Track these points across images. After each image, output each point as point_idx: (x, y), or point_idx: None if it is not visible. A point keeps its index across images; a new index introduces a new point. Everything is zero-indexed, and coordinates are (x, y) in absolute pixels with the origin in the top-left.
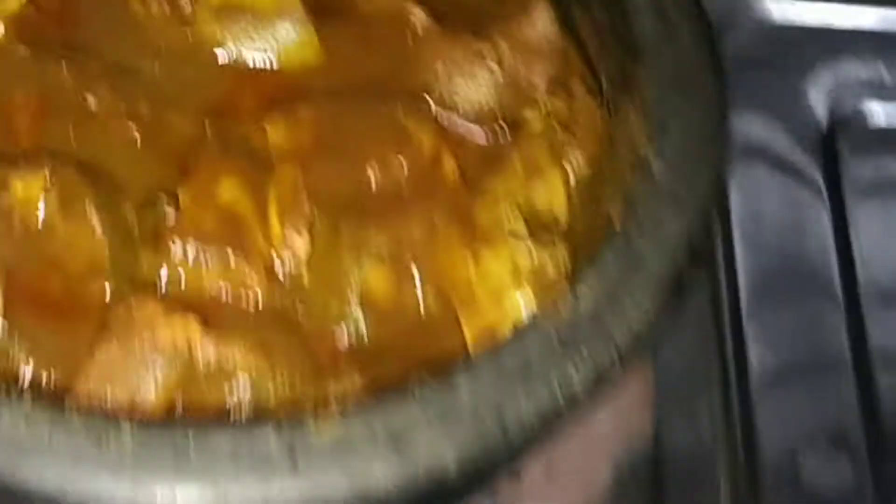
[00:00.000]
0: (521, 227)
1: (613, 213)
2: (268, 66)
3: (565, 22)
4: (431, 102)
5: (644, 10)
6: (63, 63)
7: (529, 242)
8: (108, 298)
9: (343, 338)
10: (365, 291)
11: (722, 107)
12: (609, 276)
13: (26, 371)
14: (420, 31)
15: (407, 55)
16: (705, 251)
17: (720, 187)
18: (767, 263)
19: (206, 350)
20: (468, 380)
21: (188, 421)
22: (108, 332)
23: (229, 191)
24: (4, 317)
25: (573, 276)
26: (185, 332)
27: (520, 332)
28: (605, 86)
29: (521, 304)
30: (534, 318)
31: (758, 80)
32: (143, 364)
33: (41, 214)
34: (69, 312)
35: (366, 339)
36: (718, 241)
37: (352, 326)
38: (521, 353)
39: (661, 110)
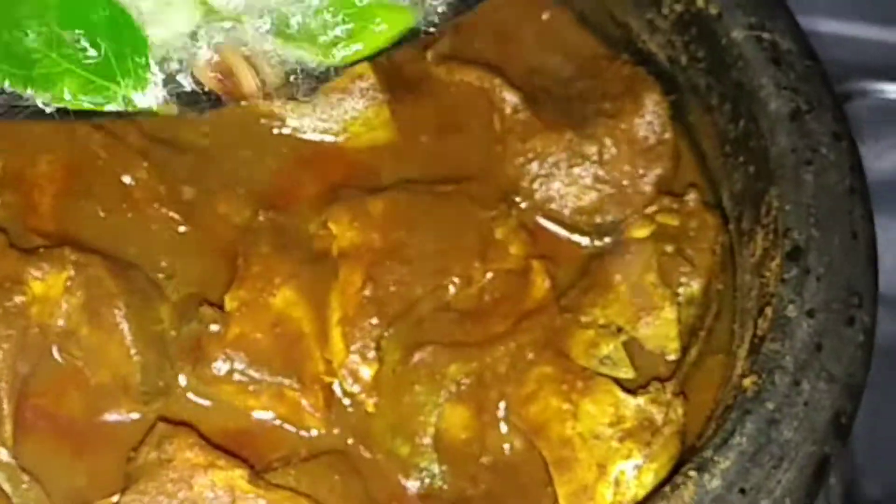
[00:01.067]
0: (625, 369)
1: (746, 380)
2: (333, 147)
3: (680, 119)
4: (521, 204)
5: (782, 121)
6: (96, 130)
7: (640, 396)
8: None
9: (412, 485)
10: (440, 432)
11: (871, 247)
12: (741, 457)
13: None
14: (509, 117)
15: (493, 144)
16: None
17: (870, 354)
18: None
19: (250, 501)
20: None
21: None
22: (137, 477)
23: (284, 298)
24: (13, 448)
25: (697, 452)
26: (227, 482)
27: None
28: (727, 201)
29: (628, 472)
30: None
31: None
32: None
33: (61, 319)
34: (89, 442)
35: (439, 487)
36: None
37: (423, 473)
38: None
39: (802, 246)
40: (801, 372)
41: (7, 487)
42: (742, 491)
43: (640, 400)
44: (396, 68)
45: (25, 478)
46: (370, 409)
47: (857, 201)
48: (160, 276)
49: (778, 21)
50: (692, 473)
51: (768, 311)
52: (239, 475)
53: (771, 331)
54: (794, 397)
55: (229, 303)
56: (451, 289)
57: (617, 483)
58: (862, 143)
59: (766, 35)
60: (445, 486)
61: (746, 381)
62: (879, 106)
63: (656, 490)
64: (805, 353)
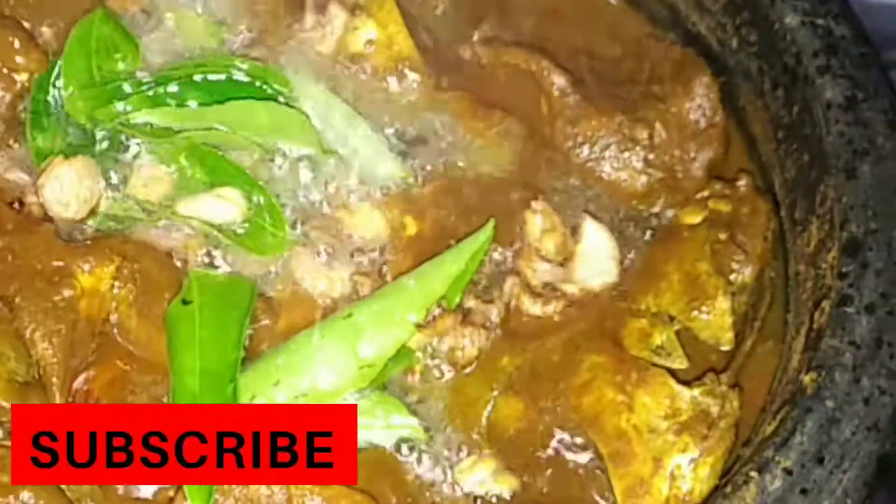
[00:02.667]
0: (679, 359)
1: (805, 377)
2: None
3: (730, 103)
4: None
5: (837, 109)
6: None
7: (694, 389)
8: None
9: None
10: (493, 424)
11: None
12: (802, 457)
13: None
14: (557, 100)
15: (541, 127)
16: None
17: None
18: None
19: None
20: None
21: None
22: None
23: None
24: None
25: (757, 451)
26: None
27: None
28: (778, 188)
29: (684, 465)
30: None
31: None
32: None
33: (111, 313)
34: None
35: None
36: None
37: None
38: None
39: (860, 239)
40: (862, 369)
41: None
42: (804, 491)
43: (696, 392)
44: (442, 49)
45: None
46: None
47: None
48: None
49: (832, 6)
50: (753, 474)
51: (826, 304)
52: None
53: (829, 326)
54: (854, 395)
55: (278, 294)
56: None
57: (673, 477)
58: None
59: (819, 21)
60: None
61: (806, 378)
62: None
63: (716, 488)
64: (865, 350)
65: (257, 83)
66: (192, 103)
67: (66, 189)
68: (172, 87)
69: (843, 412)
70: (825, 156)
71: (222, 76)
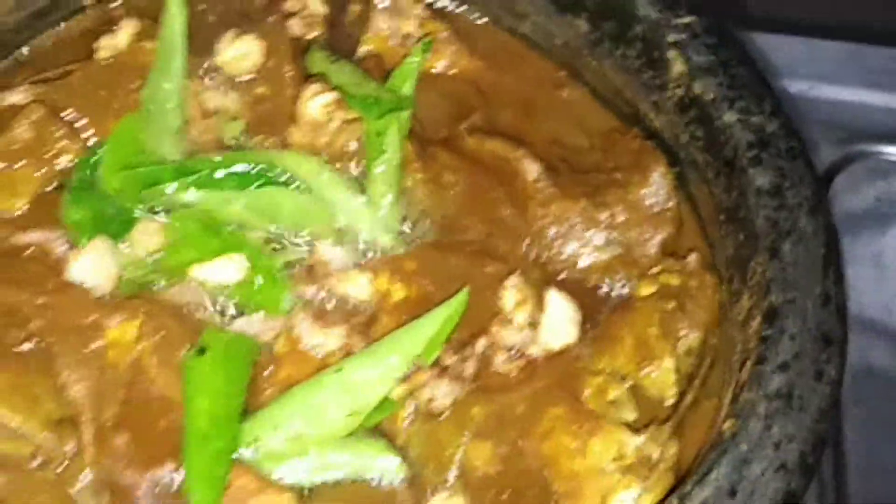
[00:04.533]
0: (629, 411)
1: (725, 424)
2: None
3: (684, 189)
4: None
5: (765, 196)
6: None
7: (640, 435)
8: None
9: None
10: (462, 462)
11: (842, 309)
12: (717, 491)
13: None
14: (531, 185)
15: (517, 209)
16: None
17: (834, 405)
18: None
19: None
20: None
21: None
22: None
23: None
24: (95, 469)
25: (678, 486)
26: None
27: None
28: (720, 265)
29: (627, 502)
30: None
31: None
32: None
33: (135, 361)
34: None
35: None
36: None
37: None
38: None
39: (778, 308)
40: (773, 418)
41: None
42: None
43: (641, 438)
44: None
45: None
46: (402, 442)
47: (832, 268)
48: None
49: (765, 105)
50: (674, 502)
51: (748, 363)
52: (287, 499)
53: (748, 382)
54: (765, 440)
55: (279, 347)
56: (478, 346)
57: None
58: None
59: (754, 118)
60: None
61: (725, 425)
62: (881, 167)
63: None
64: (777, 402)
65: (274, 171)
66: (226, 194)
67: (90, 270)
68: (205, 173)
69: (754, 454)
70: (755, 236)
71: (247, 167)
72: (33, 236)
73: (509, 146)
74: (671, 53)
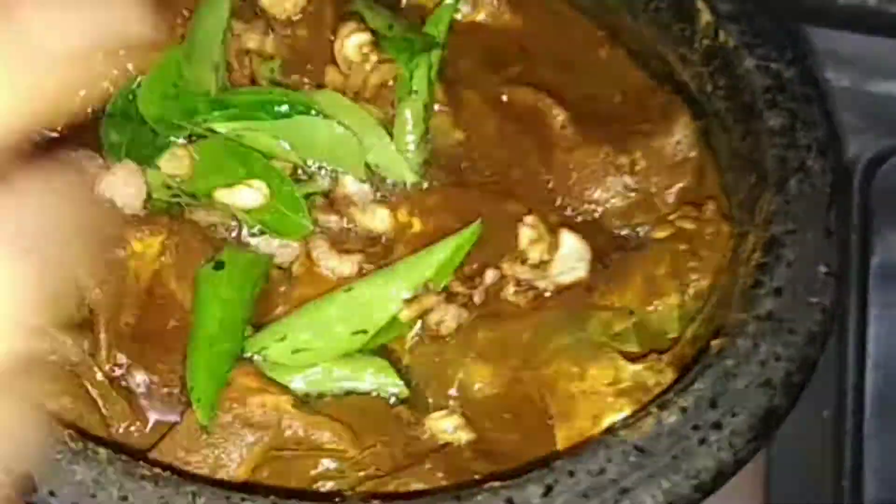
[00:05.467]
0: (631, 344)
1: (714, 342)
2: None
3: (707, 142)
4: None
5: (777, 136)
6: None
7: (637, 364)
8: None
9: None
10: (465, 384)
11: (843, 247)
12: (699, 400)
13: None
14: (557, 132)
15: (542, 154)
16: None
17: (828, 329)
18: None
19: (294, 426)
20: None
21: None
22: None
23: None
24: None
25: (660, 395)
26: (275, 405)
27: (599, 443)
28: (734, 210)
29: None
30: (615, 429)
31: None
32: (231, 433)
33: (155, 273)
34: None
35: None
36: (851, 359)
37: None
38: (598, 463)
39: (778, 238)
40: (761, 338)
41: (100, 402)
42: (695, 427)
43: (638, 367)
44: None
45: (115, 395)
46: (406, 361)
47: (835, 206)
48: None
49: (785, 53)
50: (654, 409)
51: (744, 289)
52: (285, 400)
53: (741, 303)
54: (751, 357)
55: (296, 268)
56: (489, 277)
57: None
58: None
59: (772, 65)
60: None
61: (714, 343)
62: None
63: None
64: (767, 324)
65: (308, 107)
66: (257, 123)
67: (120, 188)
68: (240, 107)
69: (739, 370)
70: (765, 175)
71: (282, 102)
72: (69, 155)
73: (540, 94)
74: (699, 4)
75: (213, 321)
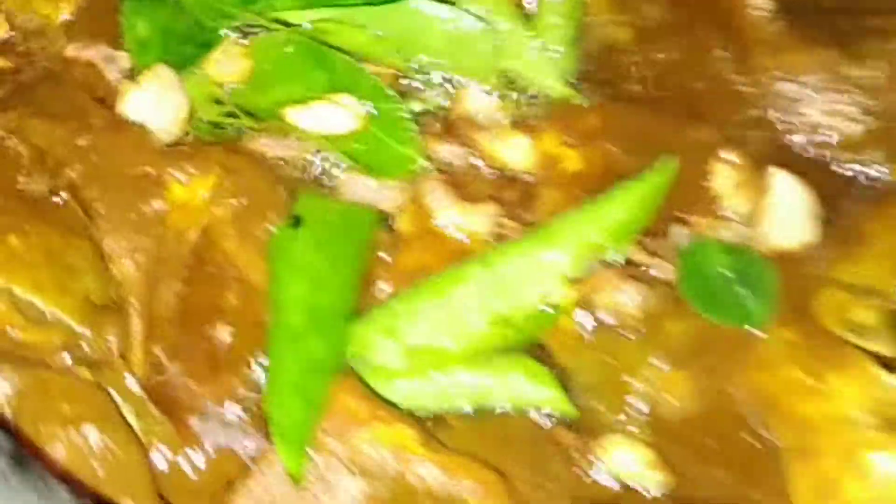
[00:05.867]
0: (884, 343)
1: None
2: None
3: None
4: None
5: None
6: None
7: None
8: None
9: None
10: (652, 397)
11: None
12: None
13: None
14: (758, 25)
15: (735, 53)
16: None
17: None
18: None
19: (420, 472)
20: None
21: None
22: None
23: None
24: (146, 378)
25: None
26: (394, 440)
27: None
28: None
29: (883, 465)
30: None
31: None
32: (330, 484)
33: (204, 231)
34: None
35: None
36: None
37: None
38: None
39: None
40: None
41: (135, 423)
42: None
43: None
44: None
45: (157, 412)
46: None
47: None
48: None
49: None
50: None
51: None
52: (408, 435)
53: None
54: None
55: (403, 223)
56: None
57: (867, 477)
58: None
59: None
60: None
61: None
62: None
63: None
64: None
65: None
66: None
67: (152, 105)
68: None
69: None
70: None
71: None
72: (81, 52)
73: None
74: None
75: (296, 310)
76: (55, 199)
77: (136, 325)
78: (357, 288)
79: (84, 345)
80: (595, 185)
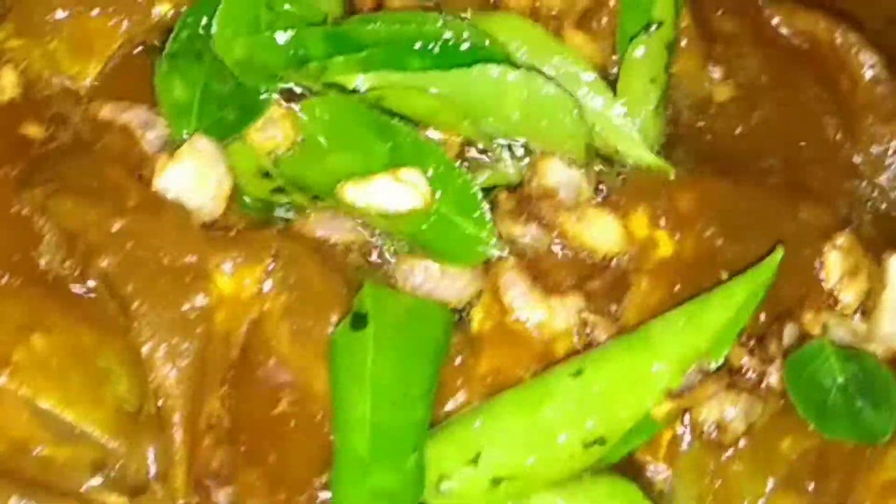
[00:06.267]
0: None
1: None
2: None
3: None
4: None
5: None
6: None
7: None
8: None
9: None
10: None
11: None
12: None
13: None
14: (867, 88)
15: (841, 119)
16: None
17: None
18: None
19: None
20: None
21: None
22: None
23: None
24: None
25: None
26: None
27: None
28: None
29: None
30: None
31: None
32: None
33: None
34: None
35: None
36: None
37: None
38: None
39: None
40: None
41: None
42: None
43: None
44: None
45: None
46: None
47: None
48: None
49: None
50: None
51: None
52: None
53: None
54: None
55: (478, 319)
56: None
57: None
58: None
59: None
60: None
61: None
62: None
63: None
64: None
65: (485, 43)
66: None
67: (192, 181)
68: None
69: None
70: None
71: (442, 38)
72: (118, 115)
73: (835, 27)
74: None
75: (361, 428)
76: (85, 289)
77: (178, 442)
78: (431, 403)
79: (117, 464)
80: (690, 273)
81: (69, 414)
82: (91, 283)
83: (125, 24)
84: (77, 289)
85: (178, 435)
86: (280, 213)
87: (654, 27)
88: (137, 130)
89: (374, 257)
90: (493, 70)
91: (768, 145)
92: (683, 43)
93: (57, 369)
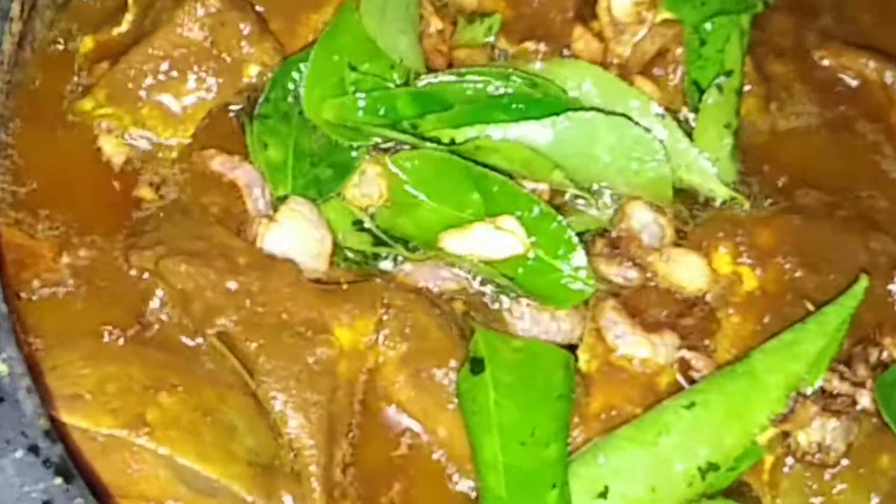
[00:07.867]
0: None
1: None
2: None
3: None
4: None
5: None
6: None
7: None
8: None
9: None
10: None
11: None
12: None
13: None
14: None
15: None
16: None
17: None
18: None
19: None
20: None
21: None
22: None
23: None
24: None
25: None
26: None
27: None
28: None
29: None
30: None
31: None
32: None
33: (375, 378)
34: None
35: None
36: None
37: None
38: None
39: None
40: None
41: None
42: None
43: None
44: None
45: None
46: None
47: None
48: None
49: None
50: None
51: None
52: None
53: None
54: None
55: (585, 359)
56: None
57: None
58: None
59: None
60: None
61: None
62: None
63: None
64: None
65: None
66: (494, 128)
67: (296, 239)
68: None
69: None
70: None
71: (510, 89)
72: (230, 171)
73: (880, 62)
74: None
75: (496, 470)
76: (199, 346)
77: (319, 492)
78: (564, 440)
79: None
80: (776, 305)
81: (208, 469)
82: (200, 340)
83: (216, 87)
84: (194, 349)
85: (316, 485)
86: (381, 265)
87: (724, 76)
88: (246, 188)
89: (481, 303)
90: (585, 116)
91: (829, 180)
92: (747, 88)
93: (189, 426)
